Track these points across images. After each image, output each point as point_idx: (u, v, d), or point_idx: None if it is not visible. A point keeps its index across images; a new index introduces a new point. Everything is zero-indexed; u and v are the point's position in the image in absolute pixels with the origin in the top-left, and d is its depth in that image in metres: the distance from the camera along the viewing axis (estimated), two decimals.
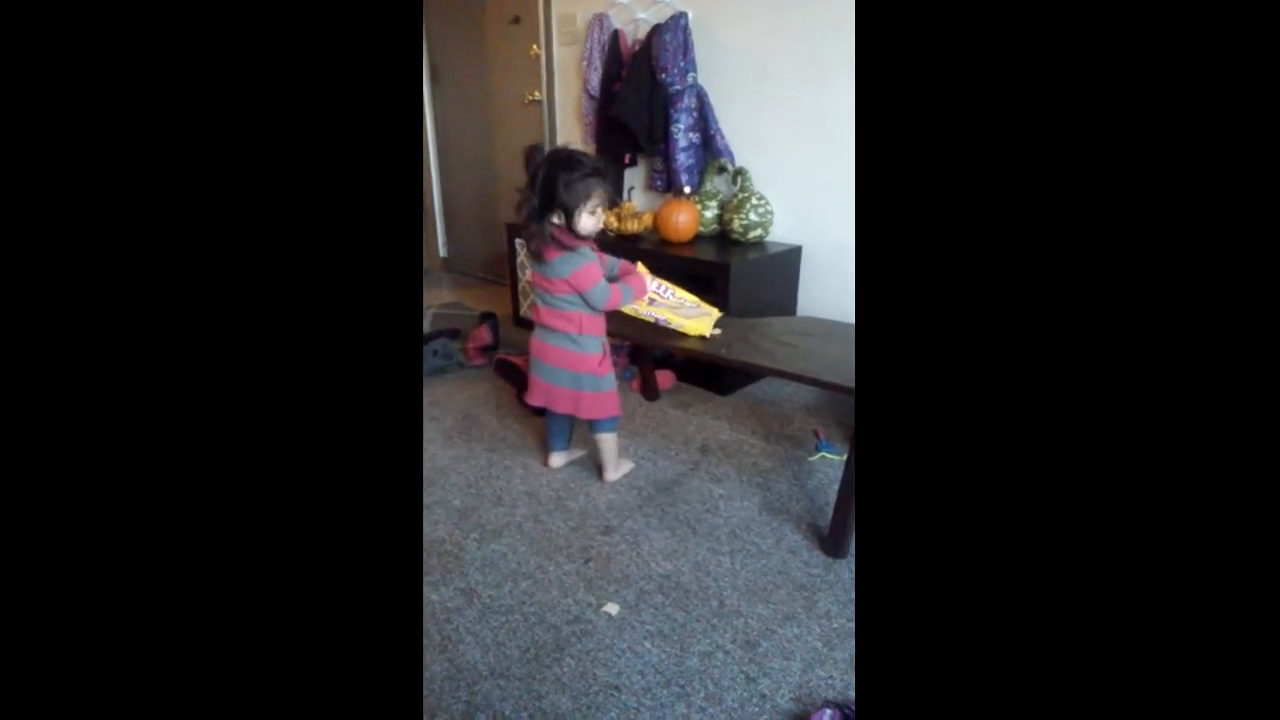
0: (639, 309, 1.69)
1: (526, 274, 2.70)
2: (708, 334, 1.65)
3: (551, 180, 1.42)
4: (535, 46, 2.88)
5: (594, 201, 1.44)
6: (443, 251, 3.88)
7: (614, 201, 2.34)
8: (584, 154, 1.47)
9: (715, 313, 1.76)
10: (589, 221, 1.46)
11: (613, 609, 1.28)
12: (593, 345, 1.56)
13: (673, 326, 1.67)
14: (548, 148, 1.48)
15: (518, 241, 2.70)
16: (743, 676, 1.14)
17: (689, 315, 1.71)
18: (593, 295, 1.50)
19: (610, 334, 1.63)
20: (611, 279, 1.59)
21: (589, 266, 1.49)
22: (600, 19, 2.52)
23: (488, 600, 1.31)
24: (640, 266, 1.70)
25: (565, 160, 1.43)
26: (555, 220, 1.45)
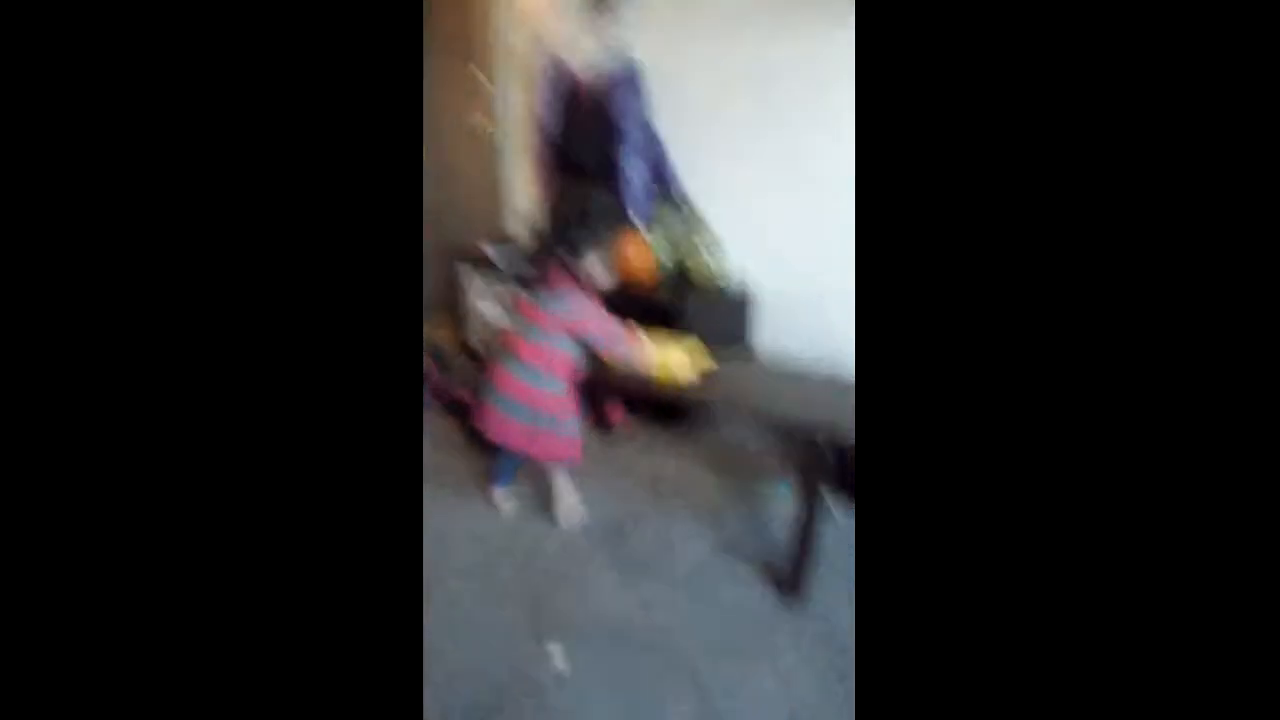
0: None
1: (481, 302, 2.64)
2: (688, 371, 1.55)
3: (583, 225, 1.44)
4: (480, 74, 2.86)
5: (610, 252, 1.47)
6: None
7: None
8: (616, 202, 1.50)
9: (682, 344, 1.64)
10: (600, 272, 1.48)
11: (560, 662, 1.23)
12: (556, 386, 1.53)
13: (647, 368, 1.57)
14: (568, 190, 1.51)
15: (459, 267, 2.64)
16: None
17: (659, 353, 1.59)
18: (598, 337, 1.48)
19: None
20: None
21: (585, 307, 1.47)
22: (551, 57, 2.53)
23: (428, 656, 1.24)
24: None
25: (578, 194, 1.50)
26: (585, 262, 1.46)
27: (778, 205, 2.19)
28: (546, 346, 1.49)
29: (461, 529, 1.62)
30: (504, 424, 1.55)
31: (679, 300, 2.05)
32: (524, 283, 1.51)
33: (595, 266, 1.47)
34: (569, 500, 1.65)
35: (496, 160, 2.95)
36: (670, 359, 1.59)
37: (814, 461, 1.35)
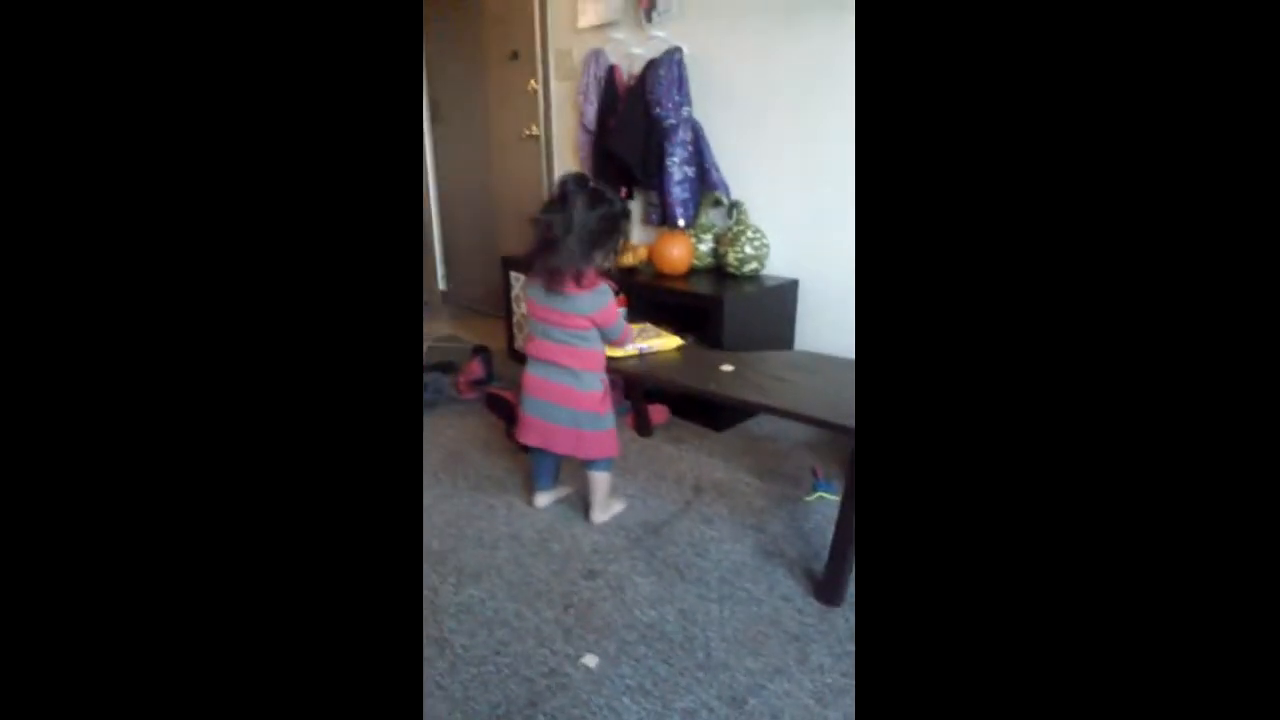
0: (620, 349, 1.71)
1: (522, 307, 2.67)
2: (681, 342, 1.81)
3: (595, 218, 1.41)
4: (533, 82, 2.90)
5: (615, 249, 1.48)
6: (442, 285, 3.86)
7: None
8: (611, 190, 1.48)
9: (675, 338, 1.83)
10: (609, 265, 1.49)
11: (591, 661, 1.20)
12: (594, 382, 1.51)
13: (655, 348, 1.75)
14: (581, 180, 1.45)
15: (513, 275, 2.67)
16: None
17: (655, 336, 1.81)
18: (616, 329, 1.53)
19: (612, 371, 1.60)
20: None
21: (613, 303, 1.50)
22: (596, 54, 2.53)
23: (460, 650, 1.23)
24: None
25: (604, 198, 1.44)
26: (597, 258, 1.44)
27: (819, 196, 2.11)
28: (574, 346, 1.48)
29: (500, 529, 1.62)
30: (548, 431, 1.53)
31: (718, 293, 2.00)
32: (548, 289, 1.45)
33: (604, 263, 1.46)
34: (603, 497, 1.63)
35: (546, 166, 2.98)
36: (657, 341, 1.77)
37: (853, 460, 1.28)
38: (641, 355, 1.72)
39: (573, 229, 1.39)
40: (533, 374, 1.53)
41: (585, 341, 1.48)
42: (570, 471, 1.77)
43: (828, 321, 2.17)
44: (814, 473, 1.83)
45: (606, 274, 1.49)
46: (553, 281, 1.42)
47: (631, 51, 2.46)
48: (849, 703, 1.11)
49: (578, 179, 1.43)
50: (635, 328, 1.78)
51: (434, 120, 3.58)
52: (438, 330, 3.35)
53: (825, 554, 1.45)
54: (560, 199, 1.41)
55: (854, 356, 1.75)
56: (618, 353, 1.67)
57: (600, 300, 1.46)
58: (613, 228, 1.44)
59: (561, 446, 1.54)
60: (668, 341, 1.78)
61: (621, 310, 1.59)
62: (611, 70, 2.51)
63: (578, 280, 1.42)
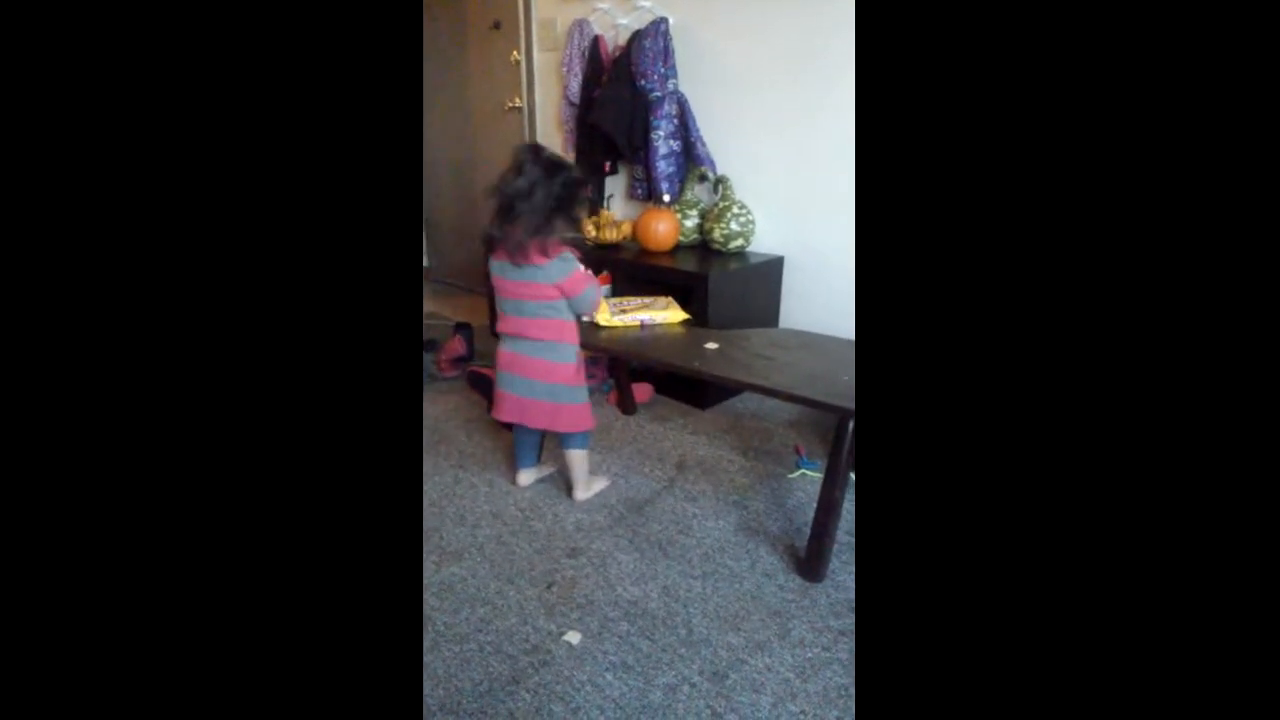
0: (620, 319, 1.71)
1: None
2: (686, 316, 1.78)
3: (554, 185, 1.39)
4: (516, 52, 2.83)
5: (578, 214, 1.45)
6: (424, 260, 3.81)
7: (593, 209, 2.36)
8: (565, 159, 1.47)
9: (682, 313, 1.80)
10: (575, 234, 1.49)
11: (574, 638, 1.21)
12: (570, 354, 1.50)
13: (659, 320, 1.74)
14: (536, 150, 1.44)
15: None
16: (708, 712, 1.06)
17: (663, 308, 1.78)
18: (586, 298, 1.49)
19: (594, 348, 1.58)
20: None
21: (579, 271, 1.47)
22: (580, 24, 2.47)
23: (442, 628, 1.23)
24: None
25: (560, 166, 1.42)
26: (558, 226, 1.42)
27: (805, 172, 2.09)
28: (546, 317, 1.46)
29: (482, 507, 1.61)
30: (524, 405, 1.52)
31: (703, 270, 1.98)
32: (514, 262, 1.43)
33: (565, 231, 1.44)
34: (582, 475, 1.62)
35: (530, 139, 2.93)
36: (660, 312, 1.75)
37: (838, 438, 1.28)
38: (643, 326, 1.72)
39: (532, 198, 1.38)
40: (506, 350, 1.52)
41: (557, 312, 1.47)
42: (553, 450, 1.76)
43: (814, 299, 2.16)
44: (797, 450, 1.84)
45: (573, 244, 1.47)
46: (518, 254, 1.41)
47: (617, 22, 2.40)
48: (829, 676, 1.12)
49: (532, 149, 1.42)
50: (646, 299, 1.81)
51: None
52: (422, 307, 3.31)
53: (807, 531, 1.45)
54: (516, 169, 1.39)
55: (839, 334, 1.75)
56: (618, 323, 1.68)
57: (565, 268, 1.44)
58: (571, 195, 1.42)
59: (537, 420, 1.53)
60: (674, 315, 1.76)
61: (605, 287, 1.57)
62: (596, 41, 2.45)
63: (542, 250, 1.41)
